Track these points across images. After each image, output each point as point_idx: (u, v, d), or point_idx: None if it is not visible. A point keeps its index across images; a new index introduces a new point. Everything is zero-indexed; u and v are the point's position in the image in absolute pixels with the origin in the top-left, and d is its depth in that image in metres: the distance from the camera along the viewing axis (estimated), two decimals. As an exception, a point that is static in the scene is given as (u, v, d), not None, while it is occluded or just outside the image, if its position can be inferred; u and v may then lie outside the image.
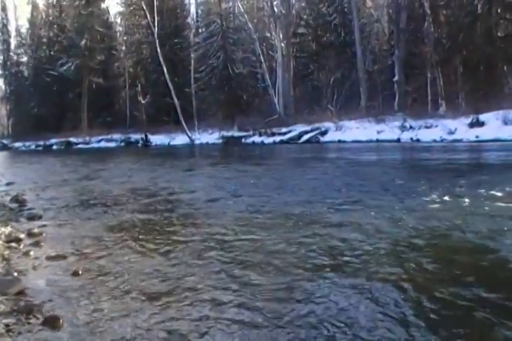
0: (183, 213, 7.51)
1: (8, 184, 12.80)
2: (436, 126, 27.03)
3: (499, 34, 31.85)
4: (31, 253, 5.29)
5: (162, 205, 8.39)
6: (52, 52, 58.32)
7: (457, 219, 5.95)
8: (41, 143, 51.59)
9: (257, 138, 37.26)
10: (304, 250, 5.00)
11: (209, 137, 41.81)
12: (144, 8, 45.06)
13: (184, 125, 42.08)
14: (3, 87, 65.95)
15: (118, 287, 4.18)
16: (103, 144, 48.14)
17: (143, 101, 50.32)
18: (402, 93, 35.47)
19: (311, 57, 46.71)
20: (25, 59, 64.96)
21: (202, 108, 47.39)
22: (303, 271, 4.34)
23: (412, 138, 27.21)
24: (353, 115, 33.88)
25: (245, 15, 45.72)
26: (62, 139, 50.68)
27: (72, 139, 50.45)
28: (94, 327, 3.37)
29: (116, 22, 61.82)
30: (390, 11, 41.34)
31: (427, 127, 27.60)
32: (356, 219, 6.25)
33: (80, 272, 4.57)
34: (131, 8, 54.34)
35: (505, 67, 30.83)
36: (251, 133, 38.40)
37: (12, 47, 65.66)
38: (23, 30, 65.77)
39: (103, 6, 58.56)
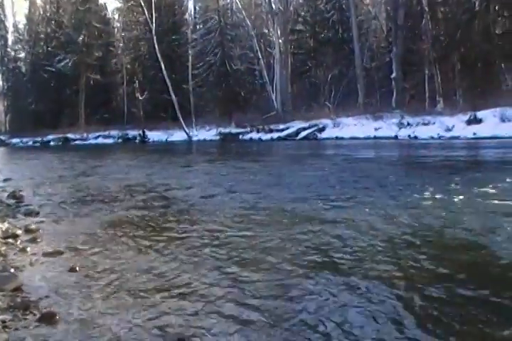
0: (179, 209, 7.53)
1: (5, 180, 12.79)
2: (434, 123, 27.01)
3: (497, 31, 31.81)
4: (28, 249, 5.31)
5: (158, 201, 8.41)
6: (49, 48, 58.11)
7: (451, 216, 5.99)
8: (39, 139, 51.49)
9: (254, 135, 37.22)
10: (299, 247, 5.02)
11: (206, 133, 41.75)
12: (142, 4, 44.89)
13: (182, 121, 42.03)
14: (1, 82, 65.76)
15: (114, 283, 4.20)
16: (100, 140, 48.06)
17: (140, 98, 50.26)
18: (400, 90, 35.42)
19: (309, 54, 46.63)
20: (22, 55, 64.71)
21: (199, 104, 47.29)
22: (297, 268, 4.37)
23: (409, 135, 27.18)
24: (350, 112, 33.83)
25: (243, 12, 45.61)
26: (60, 135, 50.59)
27: (70, 135, 50.37)
28: (90, 324, 3.39)
29: (114, 18, 61.57)
30: (388, 7, 41.24)
31: (424, 124, 27.57)
32: (351, 216, 6.28)
33: (77, 268, 4.59)
34: (129, 4, 54.07)
35: (502, 65, 30.80)
36: (248, 129, 38.35)
37: (9, 43, 65.40)
38: (21, 26, 65.56)
39: (101, 2, 58.61)
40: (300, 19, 48.36)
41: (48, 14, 60.68)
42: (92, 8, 55.02)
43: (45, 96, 55.51)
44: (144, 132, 45.16)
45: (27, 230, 6.20)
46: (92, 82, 54.67)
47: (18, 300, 3.82)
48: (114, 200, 8.74)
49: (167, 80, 42.90)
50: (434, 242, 5.02)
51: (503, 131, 22.49)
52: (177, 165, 16.53)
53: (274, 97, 41.32)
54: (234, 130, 39.66)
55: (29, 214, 7.47)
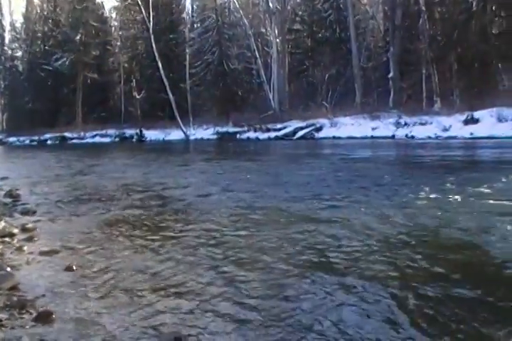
0: (175, 208, 7.54)
1: (2, 179, 12.76)
2: (431, 122, 27.07)
3: (494, 31, 31.86)
4: (25, 248, 5.31)
5: (155, 200, 8.41)
6: (46, 47, 58.05)
7: (446, 216, 6.00)
8: (36, 138, 51.45)
9: (251, 134, 37.26)
10: (295, 246, 5.03)
11: (204, 133, 41.78)
12: (139, 3, 44.92)
13: (179, 120, 42.06)
14: (-2, 81, 65.67)
15: (111, 282, 4.21)
16: (97, 139, 48.05)
17: (138, 97, 50.25)
18: (397, 90, 35.47)
19: (306, 54, 46.66)
20: (19, 53, 64.58)
21: (197, 103, 47.26)
22: (292, 268, 4.37)
23: (406, 135, 27.23)
24: (347, 111, 33.87)
25: (240, 11, 45.64)
26: (57, 134, 50.57)
27: (67, 134, 50.36)
28: (87, 323, 3.40)
29: (112, 17, 61.56)
30: (385, 7, 41.25)
31: (421, 124, 27.61)
32: (346, 216, 6.30)
33: (74, 267, 4.59)
34: (126, 2, 54.01)
35: (499, 65, 30.84)
36: (246, 129, 38.39)
37: (6, 41, 65.26)
38: (18, 25, 65.47)
39: (98, 0, 58.67)
40: (297, 18, 48.42)
41: (45, 13, 60.62)
42: (89, 7, 55.01)
43: (42, 95, 55.45)
44: (141, 131, 45.15)
45: (24, 229, 6.20)
46: (89, 80, 54.63)
47: (15, 299, 3.82)
48: (110, 199, 8.74)
49: (164, 79, 42.92)
50: (428, 242, 5.04)
51: (499, 131, 22.55)
52: (174, 164, 16.53)
53: (271, 97, 41.33)
54: (231, 129, 39.70)
55: (26, 213, 7.47)
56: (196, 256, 4.84)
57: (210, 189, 9.51)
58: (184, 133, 41.84)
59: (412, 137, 26.54)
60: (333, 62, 42.48)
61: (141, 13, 45.51)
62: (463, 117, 25.48)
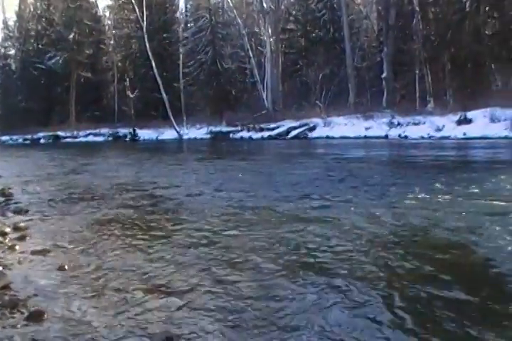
0: (167, 208, 7.56)
1: (-6, 178, 12.75)
2: (424, 122, 27.11)
3: (487, 32, 31.98)
4: (17, 247, 5.31)
5: (147, 200, 8.42)
6: (40, 46, 57.82)
7: (435, 216, 6.04)
8: (29, 136, 51.22)
9: (245, 134, 37.23)
10: (284, 246, 5.06)
11: (197, 132, 41.72)
12: (133, 2, 44.81)
13: (172, 120, 41.98)
14: (-10, 80, 65.37)
15: (103, 282, 4.22)
16: (91, 138, 47.90)
17: (131, 96, 50.14)
18: (391, 90, 35.52)
19: (300, 53, 46.64)
20: (12, 52, 64.26)
21: (190, 103, 47.21)
22: (282, 268, 4.40)
23: (399, 135, 27.26)
24: (341, 111, 33.87)
25: (234, 11, 45.56)
26: (50, 133, 50.37)
27: (60, 133, 50.17)
28: (78, 322, 3.40)
29: (105, 16, 61.36)
30: (379, 7, 41.30)
31: (414, 124, 27.65)
32: (336, 215, 6.34)
33: (66, 267, 4.60)
34: (120, 1, 54.02)
35: (492, 65, 30.94)
36: (239, 128, 38.36)
37: (-1, 40, 65.15)
38: (11, 23, 65.01)
39: (92, -1, 58.39)
40: (291, 18, 48.40)
41: (39, 11, 60.34)
42: (83, 6, 54.81)
43: (36, 93, 55.20)
44: (134, 130, 45.04)
45: (16, 228, 6.20)
46: (82, 79, 54.44)
47: (6, 298, 3.82)
48: (103, 198, 8.74)
49: (158, 78, 42.84)
50: (416, 242, 5.09)
51: (492, 132, 22.62)
52: (167, 163, 16.53)
53: (264, 96, 41.31)
54: (225, 129, 39.68)
55: (18, 212, 7.47)
56: (187, 256, 4.86)
57: (202, 188, 9.53)
58: (177, 132, 41.78)
59: (405, 137, 26.57)
60: (327, 61, 42.44)
61: (135, 12, 45.38)
62: (456, 117, 25.53)
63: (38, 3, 61.02)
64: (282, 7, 46.40)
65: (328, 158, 16.07)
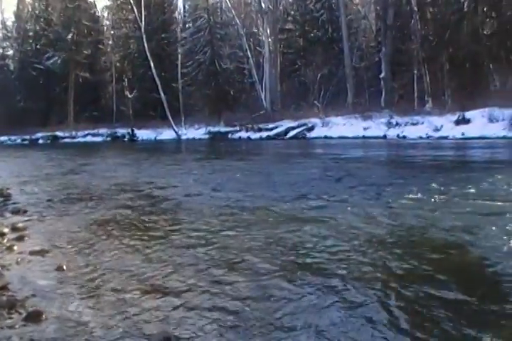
0: (165, 208, 7.57)
1: (-7, 178, 12.76)
2: (423, 122, 27.10)
3: (485, 32, 31.96)
4: (15, 247, 5.31)
5: (145, 200, 8.43)
6: (38, 46, 57.74)
7: (432, 216, 6.06)
8: (27, 137, 51.10)
9: (243, 134, 37.20)
10: (281, 247, 5.08)
11: (195, 132, 41.66)
12: (131, 2, 44.72)
13: (171, 120, 41.92)
14: (-12, 80, 65.23)
15: (101, 282, 4.23)
16: (89, 138, 47.81)
17: (130, 96, 50.07)
18: (389, 90, 35.51)
19: (298, 53, 46.63)
20: (11, 52, 64.15)
21: (189, 103, 47.17)
22: (279, 268, 4.41)
23: (398, 135, 27.23)
24: (339, 111, 33.85)
25: (232, 11, 45.54)
26: (49, 133, 50.26)
27: (59, 133, 50.07)
28: (76, 322, 3.41)
29: (103, 16, 61.30)
30: (378, 7, 41.36)
31: (413, 124, 27.64)
32: (333, 215, 6.35)
33: (64, 267, 4.60)
34: (118, 2, 54.03)
35: (490, 65, 30.97)
36: (237, 128, 38.31)
37: (-3, 40, 65.03)
38: (9, 23, 64.91)
39: (90, -1, 58.35)
40: (290, 18, 48.39)
41: (37, 11, 60.26)
42: (82, 6, 54.74)
43: (34, 94, 55.12)
44: (132, 130, 44.97)
45: (14, 228, 6.20)
46: (81, 79, 54.35)
47: (4, 298, 3.82)
48: (101, 199, 8.75)
49: (156, 79, 42.78)
50: (412, 242, 5.10)
51: (491, 132, 22.65)
52: (165, 163, 16.53)
53: (263, 96, 41.31)
54: (223, 129, 39.62)
55: (16, 212, 7.47)
56: (185, 257, 4.87)
57: (200, 188, 9.54)
58: (176, 132, 41.73)
59: (404, 137, 26.56)
60: (325, 61, 42.45)
61: (133, 12, 45.30)
62: (454, 117, 25.54)
63: (36, 4, 60.96)
64: (280, 7, 46.35)
65: (326, 158, 16.07)
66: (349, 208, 6.76)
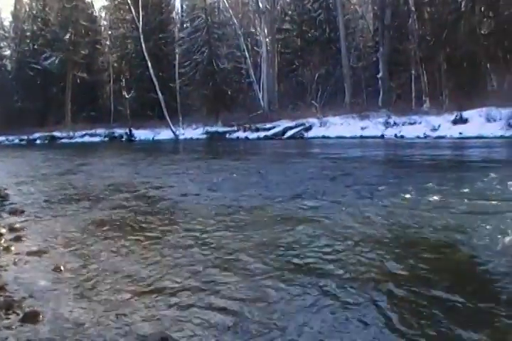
0: (162, 209, 7.58)
1: (-10, 179, 12.74)
2: (420, 122, 27.14)
3: (482, 32, 32.01)
4: (12, 248, 5.32)
5: (142, 200, 8.44)
6: (35, 46, 57.69)
7: (427, 216, 6.07)
8: (24, 137, 51.04)
9: (241, 134, 37.20)
10: (277, 247, 5.09)
11: (193, 132, 41.64)
12: (129, 2, 44.72)
13: (168, 120, 41.91)
14: (-14, 80, 65.10)
15: (98, 283, 4.23)
16: (87, 139, 47.74)
17: (127, 96, 50.02)
18: (386, 89, 35.55)
19: (296, 53, 46.66)
20: (8, 52, 64.07)
21: (186, 103, 47.14)
22: (273, 269, 4.43)
23: (395, 135, 27.26)
24: (337, 111, 33.88)
25: (230, 11, 45.49)
26: (46, 133, 50.20)
27: (56, 133, 50.00)
28: (73, 323, 3.41)
29: (101, 16, 61.20)
30: (375, 7, 41.38)
31: (410, 123, 27.68)
32: (329, 215, 6.37)
33: (61, 268, 4.60)
34: (116, 2, 54.02)
35: (488, 65, 31.03)
36: (235, 128, 38.30)
37: (-5, 40, 64.94)
38: (6, 23, 64.88)
39: (87, -1, 58.32)
40: (287, 18, 48.41)
41: (34, 12, 60.19)
42: (79, 6, 54.72)
43: (31, 94, 55.07)
44: (130, 131, 44.95)
45: (11, 229, 6.20)
46: (78, 80, 54.33)
47: (1, 299, 3.83)
48: (99, 199, 8.75)
49: (154, 79, 42.75)
50: (407, 242, 5.11)
51: (488, 131, 22.72)
52: (162, 163, 16.52)
53: (260, 96, 41.33)
54: (221, 129, 39.63)
55: (14, 212, 7.46)
56: (181, 257, 4.88)
57: (197, 189, 9.55)
58: (173, 132, 41.71)
59: (401, 137, 26.57)
60: (323, 61, 42.48)
61: (131, 12, 45.31)
62: (452, 117, 25.59)
63: (34, 4, 60.90)
64: (278, 7, 46.43)
65: (323, 158, 16.08)
66: (344, 208, 6.78)
